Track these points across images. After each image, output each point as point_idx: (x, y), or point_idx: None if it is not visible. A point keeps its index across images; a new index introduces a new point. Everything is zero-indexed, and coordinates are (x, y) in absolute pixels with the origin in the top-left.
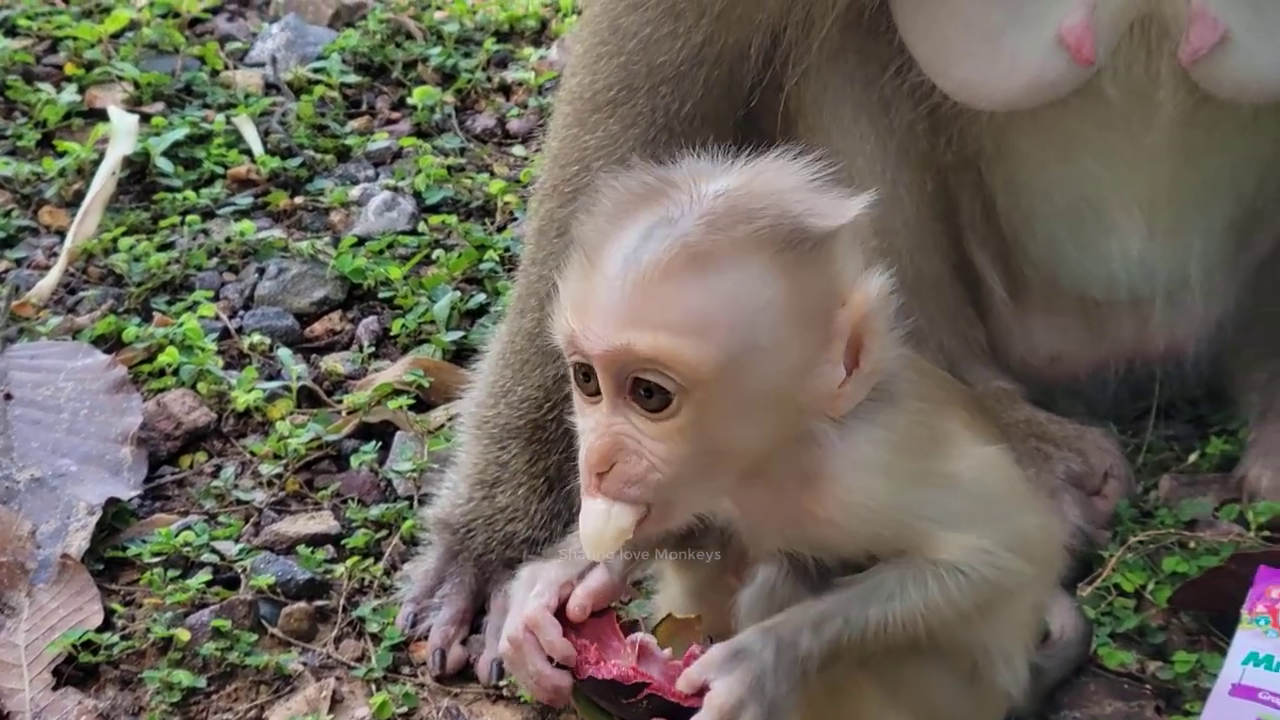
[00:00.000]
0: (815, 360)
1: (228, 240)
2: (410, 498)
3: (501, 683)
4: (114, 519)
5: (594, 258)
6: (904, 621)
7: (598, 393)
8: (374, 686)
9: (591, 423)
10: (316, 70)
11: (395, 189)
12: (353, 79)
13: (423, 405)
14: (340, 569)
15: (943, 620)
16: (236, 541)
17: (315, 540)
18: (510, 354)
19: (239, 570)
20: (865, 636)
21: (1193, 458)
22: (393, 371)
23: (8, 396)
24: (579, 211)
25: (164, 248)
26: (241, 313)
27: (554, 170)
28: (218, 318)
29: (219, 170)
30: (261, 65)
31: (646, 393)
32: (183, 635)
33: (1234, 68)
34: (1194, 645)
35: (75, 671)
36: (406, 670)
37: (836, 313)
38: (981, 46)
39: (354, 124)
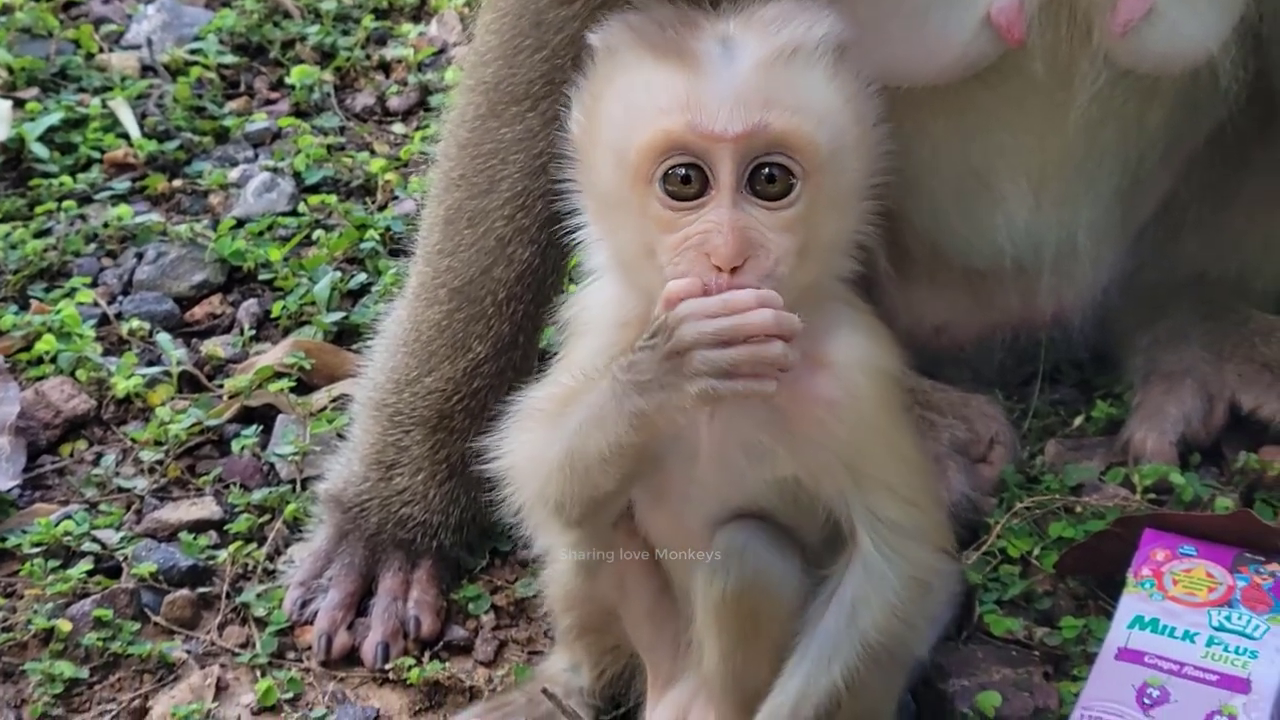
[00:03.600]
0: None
1: (105, 225)
2: (293, 481)
3: (388, 666)
4: None
5: (685, 58)
6: (868, 655)
7: (697, 195)
8: (259, 673)
9: (703, 223)
10: (193, 51)
11: (275, 170)
12: (230, 59)
13: (305, 387)
14: (223, 555)
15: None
16: (118, 530)
17: (197, 527)
18: (415, 344)
19: (120, 559)
20: (837, 692)
21: (1078, 422)
22: (274, 354)
23: None
24: (498, 192)
25: (40, 234)
26: (120, 298)
27: (464, 160)
28: (96, 304)
29: (95, 155)
30: (137, 47)
31: (769, 178)
32: (64, 626)
33: (1159, 39)
34: (1081, 610)
35: None
36: (291, 655)
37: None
38: (908, 24)
39: (232, 105)
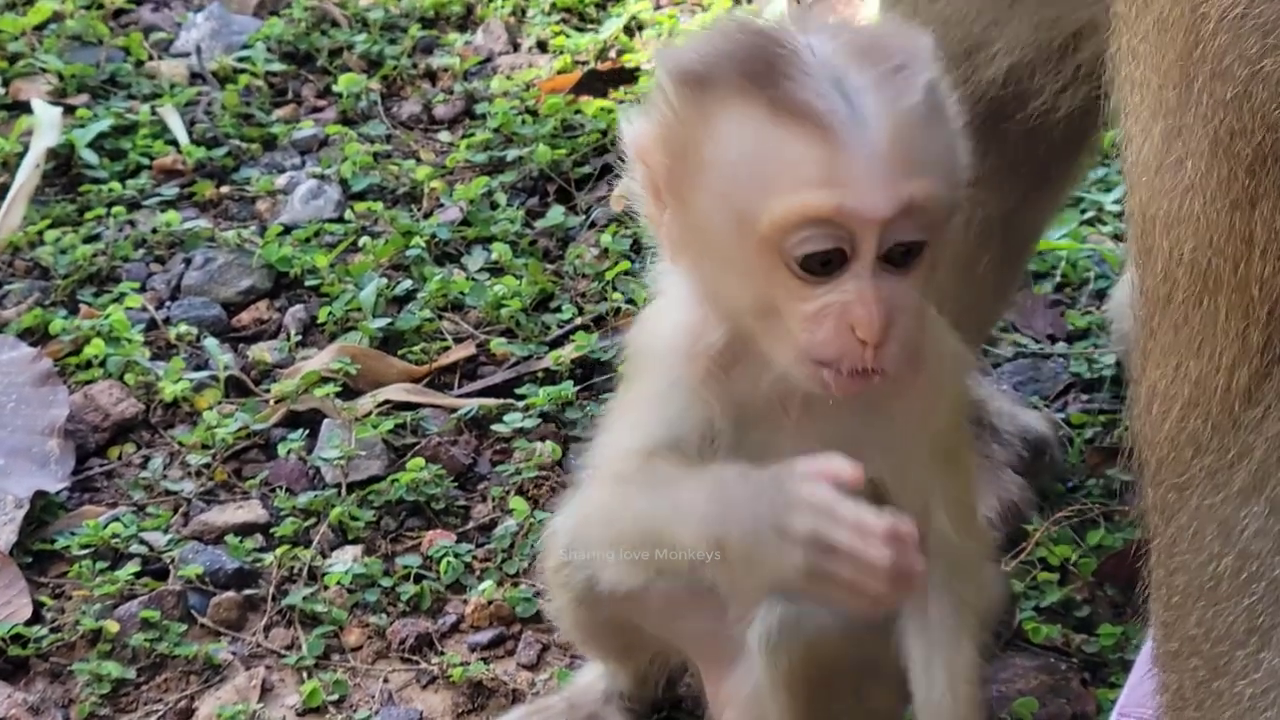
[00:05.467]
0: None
1: (154, 231)
2: (338, 485)
3: (434, 662)
4: (42, 512)
5: (812, 117)
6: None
7: (833, 270)
8: (304, 674)
9: (843, 293)
10: (241, 59)
11: (321, 177)
12: (278, 67)
13: (350, 393)
14: (269, 558)
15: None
16: (165, 532)
17: (244, 529)
18: None
19: (167, 561)
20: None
21: (1117, 431)
22: (320, 359)
23: None
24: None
25: (90, 240)
26: (168, 303)
27: None
28: (144, 309)
29: (144, 161)
30: (186, 55)
31: (906, 252)
32: (111, 627)
33: None
34: (1119, 618)
35: (4, 665)
36: (337, 657)
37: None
38: None
39: (280, 112)
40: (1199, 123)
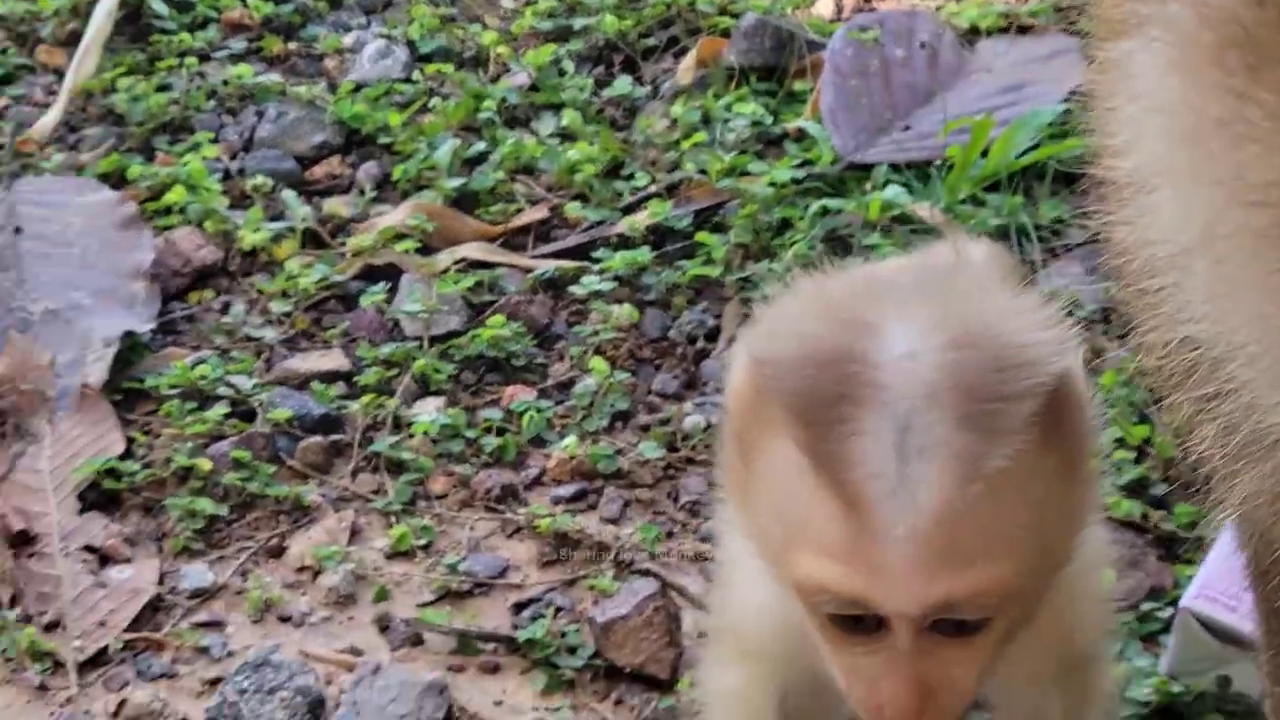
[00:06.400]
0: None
1: (225, 83)
2: (419, 338)
3: (519, 513)
4: (129, 352)
5: (847, 485)
6: None
7: (870, 630)
8: (392, 519)
9: (876, 664)
10: None
11: (388, 37)
12: None
13: (426, 250)
14: (354, 405)
15: None
16: (250, 376)
17: (327, 377)
18: None
19: (255, 404)
20: None
21: None
22: (396, 215)
23: (18, 230)
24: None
25: (162, 89)
26: (242, 154)
27: None
28: (219, 159)
29: (212, 14)
30: None
31: (957, 625)
32: (204, 464)
33: None
34: (1194, 498)
35: (99, 497)
36: (423, 504)
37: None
38: None
39: None
40: None
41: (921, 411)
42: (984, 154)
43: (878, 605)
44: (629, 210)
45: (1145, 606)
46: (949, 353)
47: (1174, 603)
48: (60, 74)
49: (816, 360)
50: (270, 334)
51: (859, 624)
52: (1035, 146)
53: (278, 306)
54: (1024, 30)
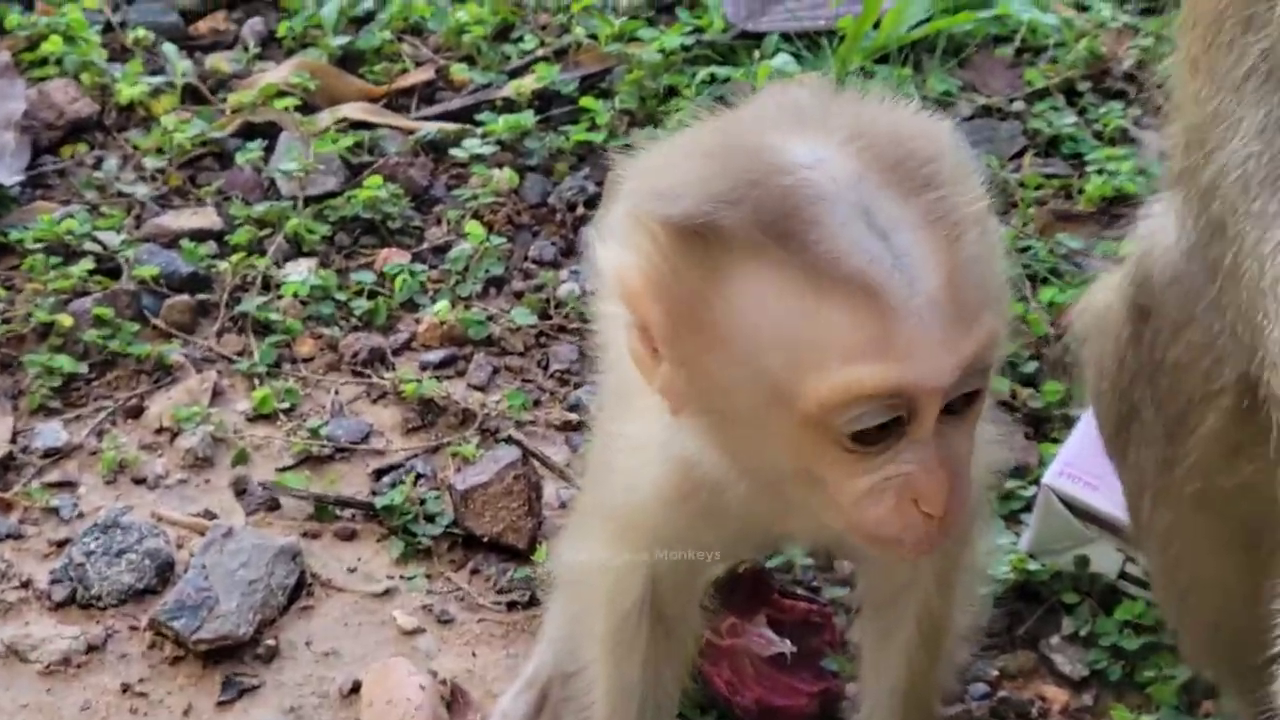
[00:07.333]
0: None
1: None
2: (294, 198)
3: (385, 379)
4: None
5: (854, 277)
6: None
7: (888, 440)
8: (256, 381)
9: (903, 464)
10: None
11: None
12: None
13: (308, 109)
14: (223, 265)
15: None
16: (118, 233)
17: (198, 235)
18: None
19: (121, 261)
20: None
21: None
22: (279, 73)
23: None
24: None
25: None
26: (124, 6)
27: None
28: (100, 10)
29: None
30: None
31: (966, 399)
32: (65, 321)
33: None
34: (1063, 376)
35: None
36: (289, 366)
37: None
38: None
39: None
40: None
41: (868, 194)
42: (876, 25)
43: (916, 385)
44: (516, 74)
45: (1009, 484)
46: (851, 144)
47: (1037, 481)
48: None
49: (749, 185)
50: (142, 190)
51: (882, 436)
52: (927, 19)
53: (152, 163)
54: None
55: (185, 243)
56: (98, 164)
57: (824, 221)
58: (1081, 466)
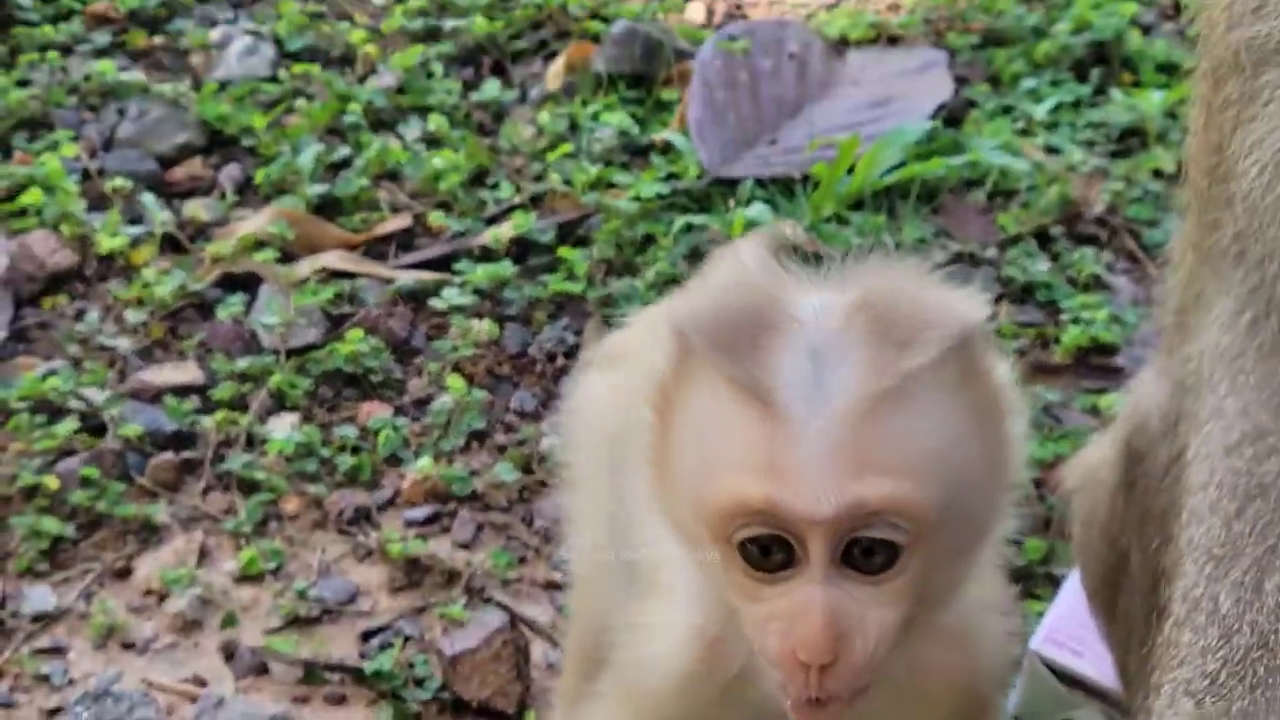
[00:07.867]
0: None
1: (87, 79)
2: (276, 351)
3: (371, 537)
4: None
5: (762, 393)
6: None
7: (783, 565)
8: (242, 540)
9: (790, 602)
10: None
11: (256, 34)
12: None
13: (286, 257)
14: (207, 420)
15: None
16: (102, 389)
17: (181, 391)
18: None
19: (106, 418)
20: None
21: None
22: (256, 222)
23: None
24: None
25: (22, 84)
26: (102, 154)
27: None
28: (78, 158)
29: (77, 6)
30: None
31: (867, 552)
32: (51, 482)
33: None
34: (1045, 532)
35: None
36: (275, 525)
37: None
38: None
39: None
40: None
41: (834, 335)
42: (849, 171)
43: (790, 508)
44: (493, 221)
45: None
46: (863, 298)
47: (1023, 640)
48: None
49: (734, 303)
50: (124, 344)
51: (770, 556)
52: (900, 165)
53: (133, 315)
54: (894, 41)
55: (169, 399)
56: (79, 316)
57: (771, 348)
58: (1067, 633)
